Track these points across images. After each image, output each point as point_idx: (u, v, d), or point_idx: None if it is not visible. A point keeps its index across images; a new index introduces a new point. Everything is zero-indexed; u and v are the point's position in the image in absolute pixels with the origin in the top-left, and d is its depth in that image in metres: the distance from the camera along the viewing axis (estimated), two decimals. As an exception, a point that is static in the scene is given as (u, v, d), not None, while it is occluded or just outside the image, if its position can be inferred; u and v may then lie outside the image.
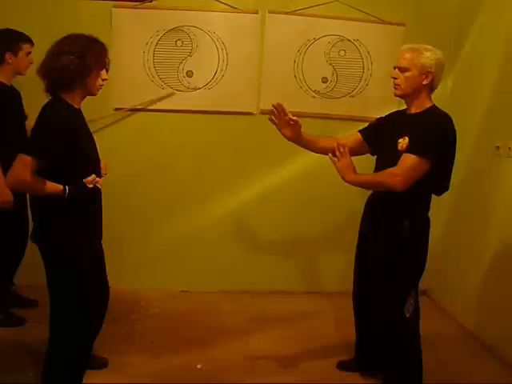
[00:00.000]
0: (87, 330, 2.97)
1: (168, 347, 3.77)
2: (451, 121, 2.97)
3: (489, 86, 4.16)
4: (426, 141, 2.89)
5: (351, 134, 3.39)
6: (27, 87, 3.96)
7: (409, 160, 2.88)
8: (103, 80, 2.83)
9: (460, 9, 4.63)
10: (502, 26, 4.06)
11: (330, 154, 3.04)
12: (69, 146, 2.65)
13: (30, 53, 3.84)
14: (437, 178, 2.98)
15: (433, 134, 2.91)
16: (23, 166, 2.57)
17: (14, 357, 3.47)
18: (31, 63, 3.86)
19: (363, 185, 3.09)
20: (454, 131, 2.97)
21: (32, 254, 4.13)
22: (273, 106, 3.23)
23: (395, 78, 3.02)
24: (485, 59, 4.28)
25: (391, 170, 2.93)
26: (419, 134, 2.91)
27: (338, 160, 3.01)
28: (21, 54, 3.79)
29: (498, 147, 3.97)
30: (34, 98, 4.02)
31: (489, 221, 4.08)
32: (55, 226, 2.79)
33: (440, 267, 4.58)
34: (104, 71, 2.83)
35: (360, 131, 3.36)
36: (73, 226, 2.81)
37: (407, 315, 3.05)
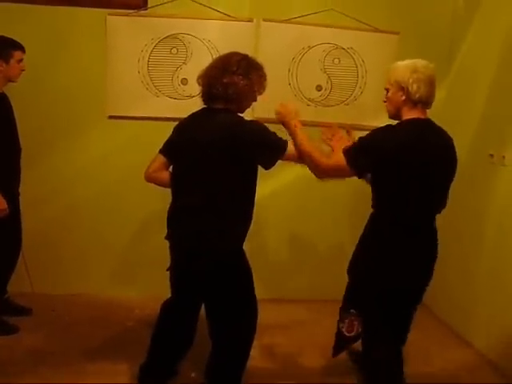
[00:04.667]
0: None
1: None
2: (398, 137, 2.80)
3: (482, 94, 4.18)
4: (354, 146, 2.89)
5: None
6: (19, 94, 3.99)
7: (337, 156, 2.91)
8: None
9: (454, 18, 4.66)
10: (495, 36, 4.08)
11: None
12: None
13: (21, 60, 3.83)
14: (411, 197, 2.85)
15: (364, 142, 2.85)
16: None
17: (6, 364, 3.46)
18: (23, 70, 3.86)
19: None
20: (395, 147, 2.76)
21: (24, 262, 4.18)
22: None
23: (385, 102, 3.03)
24: (478, 67, 4.30)
25: (324, 159, 2.94)
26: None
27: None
28: (12, 61, 3.78)
29: (491, 155, 3.98)
30: (24, 105, 4.11)
31: (483, 229, 4.08)
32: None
33: (436, 278, 4.58)
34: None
35: None
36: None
37: (343, 332, 3.03)
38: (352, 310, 2.97)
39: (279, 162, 4.46)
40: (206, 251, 2.98)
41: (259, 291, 4.73)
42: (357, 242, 3.21)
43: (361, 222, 3.29)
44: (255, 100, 3.11)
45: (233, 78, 2.93)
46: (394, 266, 2.88)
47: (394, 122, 2.97)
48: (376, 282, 2.90)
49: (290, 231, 4.85)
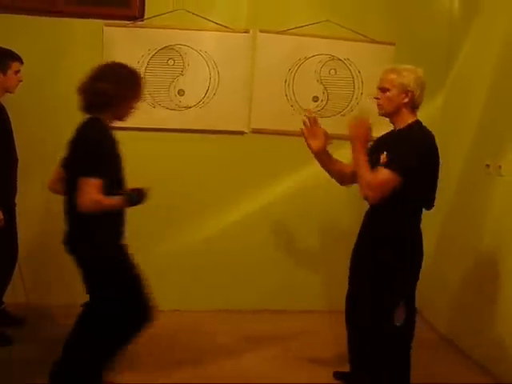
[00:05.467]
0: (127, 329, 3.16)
1: (159, 367, 3.73)
2: (429, 136, 3.06)
3: (479, 104, 4.18)
4: (398, 156, 2.99)
5: None
6: (17, 105, 3.98)
7: (381, 174, 2.98)
8: (133, 109, 3.09)
9: (451, 27, 4.68)
10: (492, 45, 4.09)
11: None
12: (117, 164, 2.95)
13: (19, 71, 3.82)
14: (421, 192, 3.07)
15: (406, 150, 3.00)
16: (94, 188, 2.80)
17: (1, 375, 3.44)
18: (20, 81, 3.85)
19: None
20: (432, 146, 3.05)
21: (20, 272, 4.16)
22: (307, 116, 3.37)
23: (378, 99, 3.16)
24: (475, 78, 4.31)
25: (369, 180, 3.02)
26: (394, 149, 3.04)
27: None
28: (9, 72, 3.77)
29: (488, 165, 3.98)
30: (23, 115, 4.11)
31: (479, 239, 4.08)
32: (96, 239, 3.00)
33: (430, 285, 4.58)
34: (136, 101, 3.07)
35: None
36: (110, 237, 3.05)
37: (397, 324, 3.07)
38: (401, 302, 3.08)
39: (279, 174, 4.58)
40: (76, 254, 3.05)
41: (259, 302, 4.76)
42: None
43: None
44: (132, 107, 3.07)
45: (104, 86, 2.92)
46: (420, 252, 3.14)
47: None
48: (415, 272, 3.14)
49: (289, 242, 4.84)
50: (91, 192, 2.80)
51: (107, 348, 3.12)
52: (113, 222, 3.05)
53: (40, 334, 4.08)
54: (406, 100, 3.05)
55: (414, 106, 3.10)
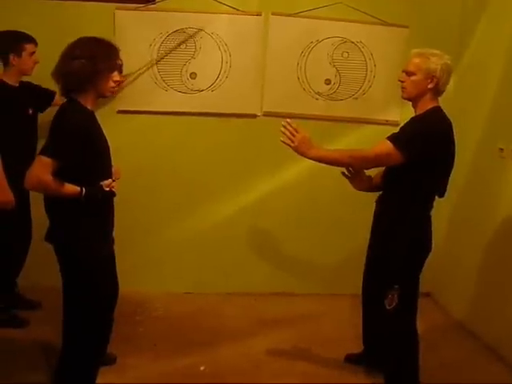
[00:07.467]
0: (101, 329, 3.00)
1: (171, 349, 3.77)
2: (444, 124, 3.05)
3: (492, 87, 4.16)
4: (405, 132, 3.03)
5: None
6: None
7: (382, 145, 3.02)
8: (115, 82, 2.87)
9: (463, 11, 4.62)
10: (505, 28, 4.05)
11: (281, 139, 3.13)
12: (85, 148, 2.71)
13: (33, 53, 3.81)
14: (433, 179, 3.08)
15: (414, 129, 3.03)
16: (43, 167, 2.64)
17: (15, 359, 3.48)
18: (36, 63, 3.85)
19: (325, 160, 3.20)
20: (446, 133, 3.03)
21: (36, 255, 4.19)
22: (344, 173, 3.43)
23: (402, 82, 3.12)
24: (488, 61, 4.27)
25: (363, 151, 3.13)
26: (403, 126, 3.09)
27: (292, 141, 3.10)
28: (24, 54, 3.77)
29: (501, 149, 3.96)
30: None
31: (492, 222, 4.06)
32: (70, 227, 2.81)
33: (443, 270, 4.58)
34: (116, 73, 2.86)
35: None
36: (88, 226, 2.83)
37: (387, 307, 3.09)
38: (396, 286, 3.08)
39: (291, 158, 4.55)
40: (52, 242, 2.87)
41: (270, 285, 4.78)
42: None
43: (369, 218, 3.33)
44: (114, 80, 2.84)
45: (80, 63, 2.71)
46: (426, 237, 3.13)
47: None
48: (416, 254, 3.13)
49: (300, 225, 4.84)
50: (39, 170, 2.64)
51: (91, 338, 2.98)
52: (90, 212, 2.83)
53: (54, 316, 4.11)
54: (431, 86, 3.03)
55: (437, 92, 3.08)
